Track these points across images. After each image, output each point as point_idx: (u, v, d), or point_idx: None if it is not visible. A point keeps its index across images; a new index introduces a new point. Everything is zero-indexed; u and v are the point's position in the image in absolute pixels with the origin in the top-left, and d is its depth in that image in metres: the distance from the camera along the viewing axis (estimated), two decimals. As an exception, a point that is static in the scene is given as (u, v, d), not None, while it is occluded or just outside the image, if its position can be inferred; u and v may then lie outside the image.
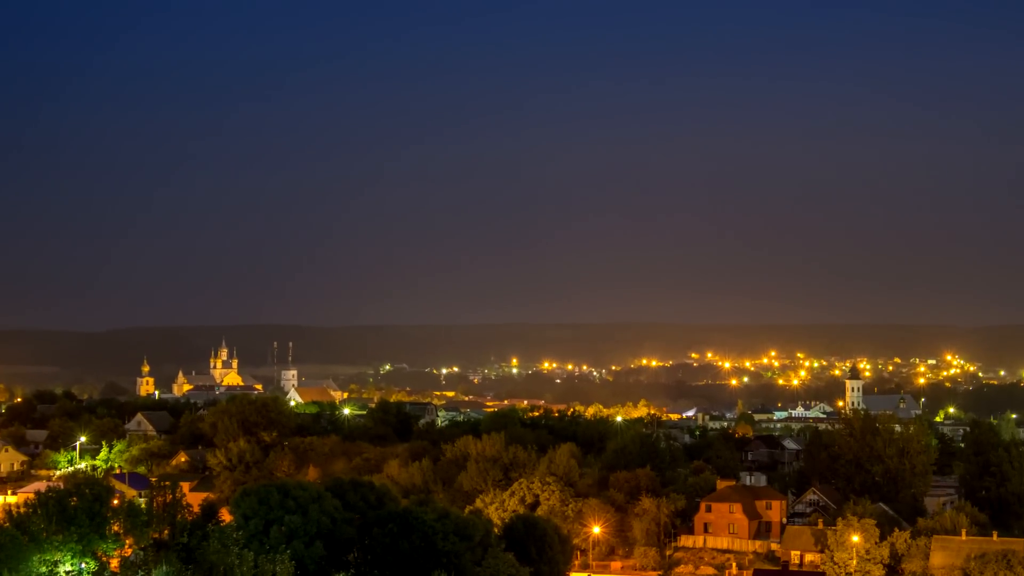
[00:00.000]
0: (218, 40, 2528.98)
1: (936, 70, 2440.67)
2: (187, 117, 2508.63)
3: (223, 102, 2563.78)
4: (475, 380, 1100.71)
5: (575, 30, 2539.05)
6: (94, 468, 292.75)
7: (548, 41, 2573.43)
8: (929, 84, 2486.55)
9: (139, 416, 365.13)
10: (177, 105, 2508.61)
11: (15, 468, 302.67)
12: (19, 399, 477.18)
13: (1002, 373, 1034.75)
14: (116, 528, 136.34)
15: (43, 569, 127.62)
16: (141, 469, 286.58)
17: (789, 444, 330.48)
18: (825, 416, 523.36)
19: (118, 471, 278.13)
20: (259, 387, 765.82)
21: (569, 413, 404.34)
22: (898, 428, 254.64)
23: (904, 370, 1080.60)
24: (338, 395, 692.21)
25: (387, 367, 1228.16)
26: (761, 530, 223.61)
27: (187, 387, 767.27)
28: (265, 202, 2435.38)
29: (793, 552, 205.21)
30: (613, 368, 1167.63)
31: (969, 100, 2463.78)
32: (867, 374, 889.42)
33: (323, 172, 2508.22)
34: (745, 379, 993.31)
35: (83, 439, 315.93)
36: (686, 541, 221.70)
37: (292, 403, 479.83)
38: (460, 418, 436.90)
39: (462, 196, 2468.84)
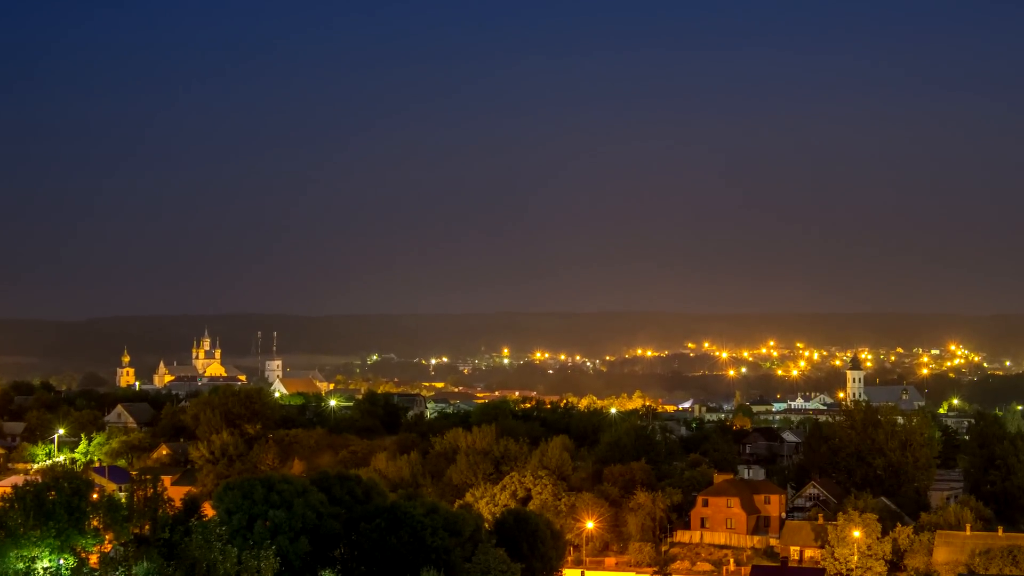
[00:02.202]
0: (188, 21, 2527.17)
1: (938, 54, 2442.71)
2: (163, 101, 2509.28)
3: (207, 84, 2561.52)
4: (465, 371, 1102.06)
5: (571, 7, 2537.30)
6: (73, 461, 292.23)
7: (540, 20, 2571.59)
8: (931, 68, 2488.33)
9: (119, 408, 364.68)
10: (153, 88, 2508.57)
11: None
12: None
13: (1008, 363, 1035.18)
14: (95, 523, 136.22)
15: (20, 565, 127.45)
16: (121, 462, 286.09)
17: (788, 437, 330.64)
18: (825, 408, 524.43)
19: (97, 464, 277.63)
20: (243, 378, 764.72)
21: (562, 405, 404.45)
22: (900, 420, 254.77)
23: (907, 360, 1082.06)
24: (324, 386, 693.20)
25: (374, 357, 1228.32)
26: (759, 525, 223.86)
27: (168, 378, 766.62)
28: (251, 189, 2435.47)
29: (792, 548, 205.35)
30: (607, 358, 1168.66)
31: (974, 84, 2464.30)
32: (869, 364, 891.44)
33: (309, 157, 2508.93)
34: (743, 370, 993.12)
35: (61, 431, 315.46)
36: (682, 536, 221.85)
37: (277, 394, 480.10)
38: (450, 410, 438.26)
39: (452, 182, 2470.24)
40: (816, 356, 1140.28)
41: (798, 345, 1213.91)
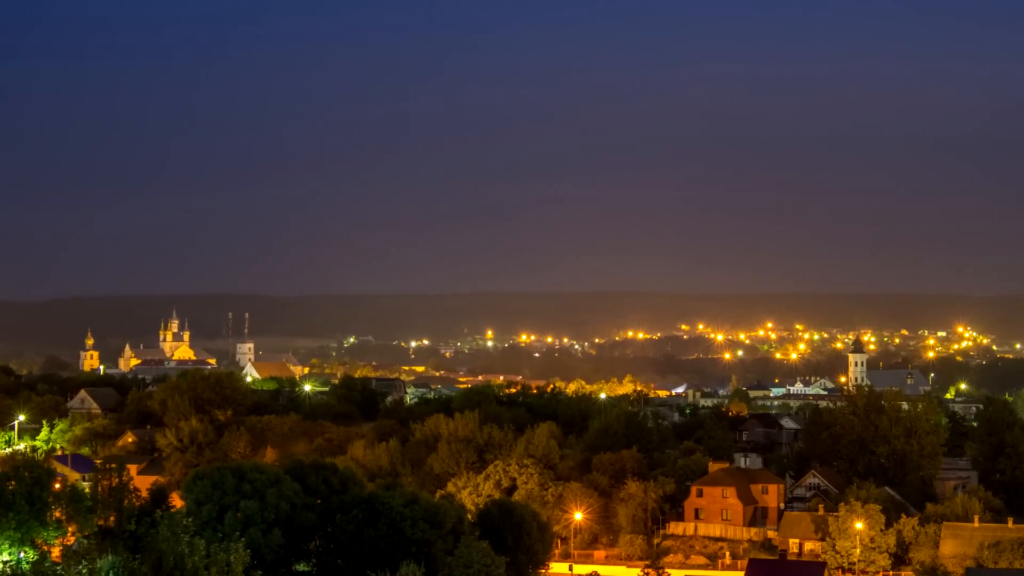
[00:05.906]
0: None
1: (938, 29, 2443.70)
2: (145, 75, 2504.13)
3: (193, 55, 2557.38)
4: (447, 354, 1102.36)
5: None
6: (34, 449, 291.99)
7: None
8: (931, 46, 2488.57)
9: (83, 393, 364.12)
10: (139, 62, 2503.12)
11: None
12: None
13: (1018, 346, 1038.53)
14: (58, 514, 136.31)
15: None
16: (85, 450, 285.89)
17: (787, 423, 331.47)
18: (826, 393, 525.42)
19: (60, 453, 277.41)
20: (212, 362, 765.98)
21: (549, 390, 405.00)
22: (905, 406, 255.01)
23: (912, 343, 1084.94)
24: (298, 370, 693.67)
25: (351, 340, 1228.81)
26: (757, 516, 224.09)
27: (135, 361, 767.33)
28: (221, 165, 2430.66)
29: (791, 540, 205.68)
30: (596, 341, 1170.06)
31: (980, 62, 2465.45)
32: (872, 347, 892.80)
33: (285, 137, 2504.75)
34: (740, 353, 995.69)
35: (22, 418, 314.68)
36: (675, 528, 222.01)
37: (248, 379, 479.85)
38: (431, 395, 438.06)
39: (433, 157, 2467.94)
40: (816, 338, 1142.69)
41: (797, 327, 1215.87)
